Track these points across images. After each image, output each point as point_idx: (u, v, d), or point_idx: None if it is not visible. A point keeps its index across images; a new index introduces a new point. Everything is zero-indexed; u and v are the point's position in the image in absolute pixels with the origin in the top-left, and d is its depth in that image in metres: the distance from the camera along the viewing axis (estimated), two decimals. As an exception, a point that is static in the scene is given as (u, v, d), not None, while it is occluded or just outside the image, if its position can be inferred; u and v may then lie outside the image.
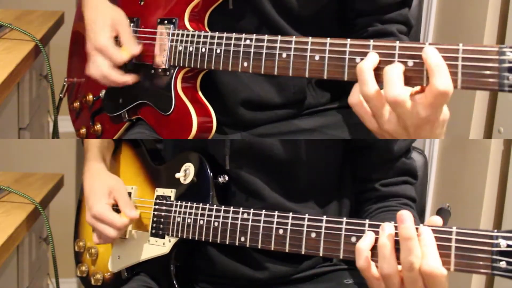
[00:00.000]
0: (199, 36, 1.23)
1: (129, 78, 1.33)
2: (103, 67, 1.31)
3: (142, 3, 1.36)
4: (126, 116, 1.39)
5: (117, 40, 1.33)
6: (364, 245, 0.98)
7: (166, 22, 1.29)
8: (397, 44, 0.99)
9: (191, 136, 1.26)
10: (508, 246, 0.88)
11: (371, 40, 1.02)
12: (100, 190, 1.31)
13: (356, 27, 1.33)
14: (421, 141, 2.16)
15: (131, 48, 1.32)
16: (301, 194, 1.28)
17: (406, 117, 0.96)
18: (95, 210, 1.29)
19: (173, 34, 1.27)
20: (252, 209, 1.14)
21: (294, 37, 1.10)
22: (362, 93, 0.98)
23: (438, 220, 0.96)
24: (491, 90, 0.92)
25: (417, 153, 1.55)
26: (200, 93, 1.29)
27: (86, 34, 1.34)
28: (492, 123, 2.01)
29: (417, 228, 0.94)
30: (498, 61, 0.91)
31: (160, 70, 1.30)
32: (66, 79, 1.55)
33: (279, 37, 1.12)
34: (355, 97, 1.00)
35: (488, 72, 0.91)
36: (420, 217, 1.43)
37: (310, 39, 1.08)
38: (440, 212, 1.39)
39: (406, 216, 0.95)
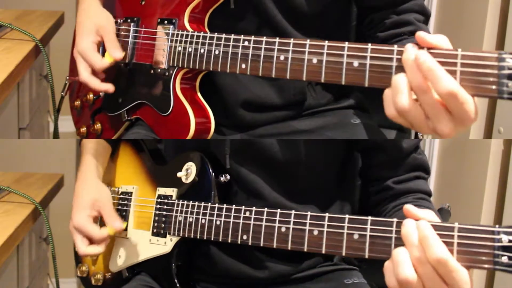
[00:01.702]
0: (198, 37, 1.23)
1: (108, 87, 1.33)
2: (83, 73, 1.32)
3: (143, 2, 1.36)
4: (126, 116, 1.39)
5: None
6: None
7: (166, 22, 1.29)
8: (395, 48, 0.98)
9: (188, 137, 1.26)
10: (510, 241, 0.88)
11: (369, 44, 1.01)
12: (84, 201, 1.31)
13: (372, 23, 1.32)
14: (421, 141, 2.16)
15: (114, 54, 1.32)
16: (301, 194, 1.28)
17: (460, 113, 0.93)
18: (75, 221, 1.29)
19: (172, 35, 1.27)
20: (254, 208, 1.14)
21: (292, 39, 1.10)
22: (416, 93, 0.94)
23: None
24: (490, 97, 0.90)
25: (417, 153, 1.55)
26: (199, 94, 1.29)
27: (75, 36, 1.35)
28: (492, 123, 2.01)
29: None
30: (498, 68, 0.89)
31: (159, 70, 1.29)
32: (68, 77, 1.55)
33: (277, 39, 1.12)
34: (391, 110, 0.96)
35: (487, 78, 0.90)
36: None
37: (308, 42, 1.07)
38: (440, 212, 1.39)
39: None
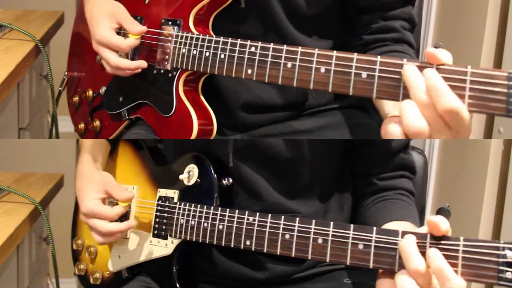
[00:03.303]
0: (203, 40, 1.22)
1: (141, 61, 1.31)
2: (111, 59, 1.30)
3: (146, 2, 1.36)
4: (126, 115, 1.39)
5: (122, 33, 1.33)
6: None
7: (170, 23, 1.29)
8: (405, 62, 0.98)
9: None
10: (515, 257, 0.90)
11: (378, 56, 1.01)
12: (89, 187, 1.31)
13: (359, 24, 1.34)
14: (421, 141, 2.16)
15: (135, 29, 1.30)
16: (303, 192, 1.28)
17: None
18: (85, 208, 1.29)
19: (177, 36, 1.27)
20: (258, 213, 1.14)
21: (300, 47, 1.09)
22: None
23: (436, 224, 0.96)
24: (498, 115, 0.91)
25: (417, 153, 1.56)
26: (201, 96, 1.29)
27: (90, 30, 1.34)
28: (492, 123, 2.01)
29: (424, 252, 0.95)
30: (507, 87, 0.90)
31: (162, 71, 1.29)
32: (66, 73, 1.55)
33: (284, 47, 1.11)
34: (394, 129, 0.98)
35: (496, 96, 0.90)
36: (420, 217, 1.43)
37: (316, 51, 1.07)
38: (440, 212, 1.39)
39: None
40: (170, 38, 1.28)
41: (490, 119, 2.02)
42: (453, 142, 2.17)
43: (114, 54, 1.30)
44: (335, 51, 1.05)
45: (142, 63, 1.30)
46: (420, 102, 0.94)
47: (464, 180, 2.12)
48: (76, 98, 1.52)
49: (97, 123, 1.46)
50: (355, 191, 1.34)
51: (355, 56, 1.03)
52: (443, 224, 0.95)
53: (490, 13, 1.97)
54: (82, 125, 1.50)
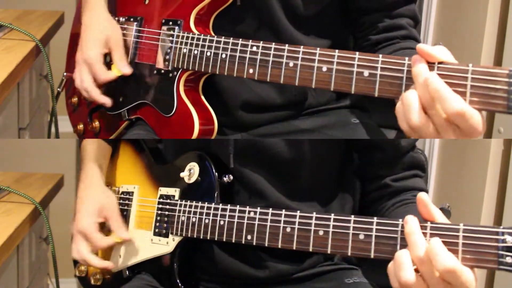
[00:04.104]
0: (204, 40, 1.22)
1: (107, 100, 1.34)
2: (86, 81, 1.32)
3: (146, 2, 1.36)
4: (126, 115, 1.39)
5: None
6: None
7: (170, 23, 1.29)
8: (406, 61, 0.99)
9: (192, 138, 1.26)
10: (514, 242, 0.90)
11: (380, 56, 1.02)
12: (91, 206, 1.32)
13: (364, 25, 1.33)
14: (421, 141, 2.16)
15: (124, 69, 1.32)
16: (303, 192, 1.28)
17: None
18: (81, 226, 1.30)
19: (177, 36, 1.27)
20: (259, 208, 1.14)
21: (302, 47, 1.10)
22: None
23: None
24: (499, 112, 0.92)
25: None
26: (202, 96, 1.29)
27: (80, 40, 1.34)
28: (492, 123, 2.01)
29: (425, 233, 0.96)
30: (508, 84, 0.90)
31: (163, 71, 1.29)
32: (65, 74, 1.55)
33: (286, 46, 1.12)
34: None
35: (497, 94, 0.91)
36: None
37: (318, 50, 1.08)
38: (439, 212, 1.39)
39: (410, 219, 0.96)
40: (170, 38, 1.28)
41: (490, 119, 2.02)
42: (453, 142, 2.18)
43: (90, 78, 1.31)
44: (337, 50, 1.06)
45: (107, 103, 1.34)
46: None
47: (464, 180, 2.13)
48: (75, 99, 1.52)
49: (96, 123, 1.46)
50: (369, 195, 1.33)
51: (357, 55, 1.03)
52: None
53: (490, 12, 1.97)
54: (81, 126, 1.50)
